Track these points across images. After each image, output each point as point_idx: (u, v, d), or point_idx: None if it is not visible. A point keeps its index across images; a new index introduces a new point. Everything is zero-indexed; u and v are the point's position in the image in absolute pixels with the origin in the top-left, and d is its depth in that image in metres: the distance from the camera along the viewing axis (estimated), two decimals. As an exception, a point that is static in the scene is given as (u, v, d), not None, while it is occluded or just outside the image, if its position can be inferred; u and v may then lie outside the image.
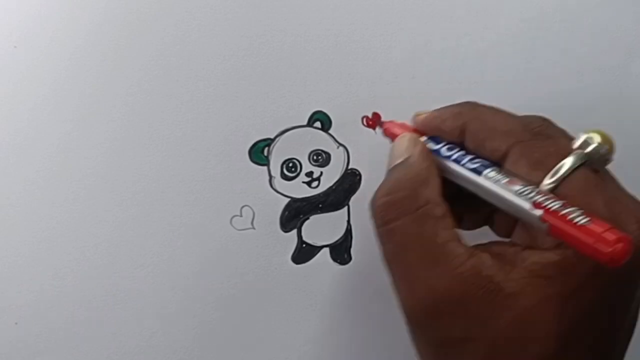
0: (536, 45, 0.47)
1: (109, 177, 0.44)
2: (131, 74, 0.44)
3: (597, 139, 0.35)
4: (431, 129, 0.39)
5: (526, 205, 0.33)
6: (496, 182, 0.35)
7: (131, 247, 0.45)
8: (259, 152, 0.46)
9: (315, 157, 0.46)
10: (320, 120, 0.46)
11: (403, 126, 0.41)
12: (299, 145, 0.46)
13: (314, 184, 0.46)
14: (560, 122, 0.48)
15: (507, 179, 0.35)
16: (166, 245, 0.45)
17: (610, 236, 0.31)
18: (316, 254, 0.46)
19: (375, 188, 0.45)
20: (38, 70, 0.44)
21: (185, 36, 0.45)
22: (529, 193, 0.34)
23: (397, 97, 0.47)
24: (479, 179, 0.36)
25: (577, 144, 0.35)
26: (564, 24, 0.48)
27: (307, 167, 0.46)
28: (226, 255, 0.45)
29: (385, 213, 0.35)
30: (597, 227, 0.31)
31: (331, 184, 0.47)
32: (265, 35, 0.45)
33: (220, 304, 0.45)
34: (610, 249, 0.30)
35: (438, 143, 0.38)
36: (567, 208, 0.32)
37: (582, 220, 0.32)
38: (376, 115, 0.47)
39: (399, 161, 0.37)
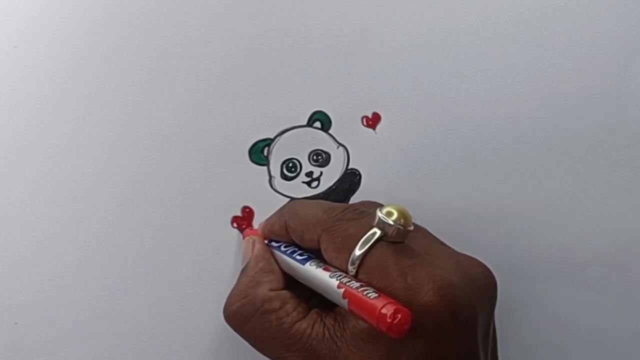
0: (536, 45, 0.47)
1: (109, 177, 0.44)
2: (131, 74, 0.44)
3: (393, 214, 0.38)
4: (268, 233, 0.44)
5: (333, 285, 0.38)
6: (314, 271, 0.40)
7: (131, 247, 0.45)
8: (259, 152, 0.46)
9: (315, 157, 0.46)
10: (320, 120, 0.46)
11: (255, 232, 0.45)
12: (299, 145, 0.46)
13: (314, 184, 0.46)
14: (560, 122, 0.48)
15: (322, 268, 0.40)
16: (166, 245, 0.45)
17: (388, 310, 0.35)
18: (316, 254, 0.46)
19: (376, 188, 0.45)
20: (38, 70, 0.44)
21: (185, 36, 0.45)
22: (338, 277, 0.38)
23: (397, 97, 0.47)
24: (301, 269, 0.41)
25: (375, 221, 0.38)
26: (564, 24, 0.48)
27: (307, 167, 0.46)
28: (226, 255, 0.45)
29: (234, 322, 0.41)
30: (379, 303, 0.35)
31: (331, 184, 0.47)
32: (265, 35, 0.45)
33: (220, 304, 0.45)
34: (389, 321, 0.35)
35: (278, 242, 0.44)
36: (363, 287, 0.37)
37: (372, 296, 0.36)
38: (376, 115, 0.47)
39: (243, 265, 0.43)
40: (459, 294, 0.37)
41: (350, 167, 0.47)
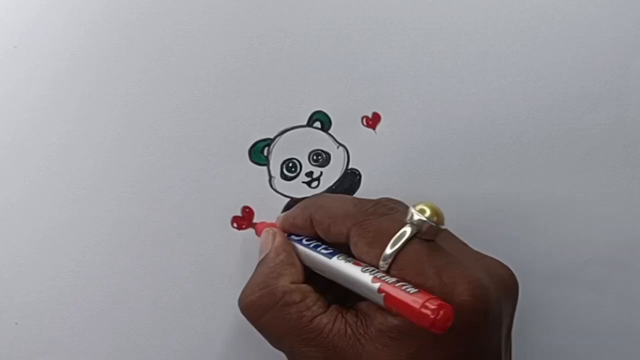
0: (536, 45, 0.47)
1: (109, 177, 0.44)
2: (131, 74, 0.44)
3: (426, 211, 0.38)
4: (289, 227, 0.43)
5: (366, 280, 0.38)
6: (343, 265, 0.39)
7: (131, 247, 0.45)
8: (259, 152, 0.46)
9: (315, 157, 0.46)
10: (320, 120, 0.46)
11: (271, 225, 0.44)
12: (299, 145, 0.46)
13: (314, 184, 0.46)
14: (560, 122, 0.48)
15: (352, 262, 0.39)
16: (166, 245, 0.45)
17: (432, 305, 0.34)
18: (316, 254, 0.46)
19: (376, 188, 0.45)
20: (38, 70, 0.44)
21: (185, 36, 0.45)
22: (370, 271, 0.38)
23: (397, 97, 0.47)
24: (328, 263, 0.40)
25: (407, 218, 0.38)
26: (564, 24, 0.48)
27: (307, 167, 0.46)
28: (226, 255, 0.45)
29: (251, 312, 0.40)
30: (421, 298, 0.35)
31: (331, 184, 0.47)
32: (265, 35, 0.45)
33: (220, 304, 0.45)
34: (432, 317, 0.34)
35: (299, 236, 0.43)
36: (400, 282, 0.37)
37: (411, 291, 0.36)
38: (376, 115, 0.47)
39: (261, 257, 0.42)
40: (490, 294, 0.37)
41: (350, 167, 0.47)
